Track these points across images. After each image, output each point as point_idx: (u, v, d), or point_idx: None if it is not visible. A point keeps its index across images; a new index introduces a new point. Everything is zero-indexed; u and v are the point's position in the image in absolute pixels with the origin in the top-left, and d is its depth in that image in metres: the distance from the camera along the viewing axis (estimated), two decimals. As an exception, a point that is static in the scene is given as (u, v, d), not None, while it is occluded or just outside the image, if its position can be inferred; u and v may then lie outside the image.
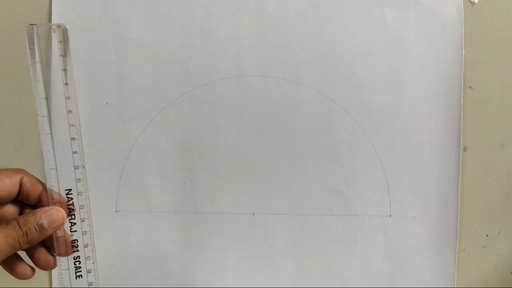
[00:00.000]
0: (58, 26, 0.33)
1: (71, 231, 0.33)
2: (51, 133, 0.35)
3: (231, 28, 0.41)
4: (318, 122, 0.42)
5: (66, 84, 0.34)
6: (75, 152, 0.35)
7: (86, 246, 0.35)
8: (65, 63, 0.34)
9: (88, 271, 0.35)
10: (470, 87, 0.42)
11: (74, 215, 0.33)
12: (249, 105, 0.42)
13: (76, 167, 0.35)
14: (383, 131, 0.42)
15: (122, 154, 0.42)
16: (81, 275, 0.35)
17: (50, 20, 0.42)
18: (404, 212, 0.42)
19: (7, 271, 0.34)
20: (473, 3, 0.42)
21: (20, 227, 0.31)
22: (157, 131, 0.42)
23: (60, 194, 0.33)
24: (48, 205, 0.33)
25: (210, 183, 0.42)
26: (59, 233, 0.33)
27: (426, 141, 0.42)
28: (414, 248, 0.42)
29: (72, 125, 0.35)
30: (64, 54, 0.33)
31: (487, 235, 0.43)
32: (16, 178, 0.32)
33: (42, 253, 0.34)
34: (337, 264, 0.42)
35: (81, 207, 0.34)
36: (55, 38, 0.33)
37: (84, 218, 0.34)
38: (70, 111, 0.34)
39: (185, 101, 0.42)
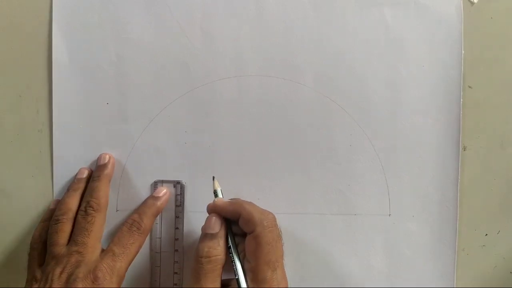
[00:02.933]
0: (178, 182, 0.41)
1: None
2: (159, 266, 0.42)
3: (231, 28, 0.42)
4: (318, 122, 0.42)
5: (176, 228, 0.42)
6: (176, 273, 0.42)
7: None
8: (178, 211, 0.42)
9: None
10: (470, 87, 0.42)
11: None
12: (249, 105, 0.42)
13: None
14: (383, 131, 0.42)
15: (123, 154, 0.42)
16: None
17: (50, 20, 0.42)
18: (404, 212, 0.42)
19: None
20: (472, 3, 0.42)
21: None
22: (157, 131, 0.42)
23: None
24: None
25: (210, 183, 0.42)
26: None
27: (426, 140, 0.42)
28: (413, 247, 0.42)
29: (176, 262, 0.42)
30: (179, 205, 0.42)
31: (486, 235, 0.43)
32: None
33: None
34: (337, 263, 0.42)
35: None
36: (174, 192, 0.42)
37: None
38: (176, 250, 0.41)
39: (185, 101, 0.42)
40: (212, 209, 0.37)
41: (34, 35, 0.42)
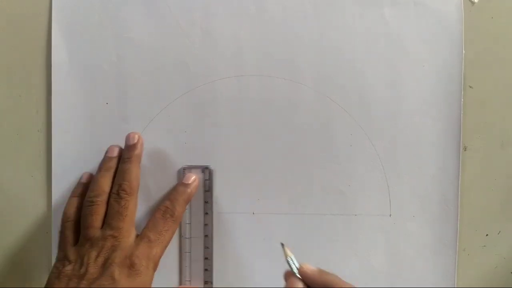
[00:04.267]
0: (206, 167, 0.41)
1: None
2: (190, 252, 0.42)
3: (231, 28, 0.42)
4: (318, 122, 0.42)
5: (206, 213, 0.42)
6: (206, 270, 0.42)
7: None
8: (206, 196, 0.42)
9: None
10: (470, 87, 0.42)
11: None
12: (249, 105, 0.42)
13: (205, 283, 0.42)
14: (383, 131, 0.42)
15: (122, 154, 0.42)
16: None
17: (50, 20, 0.42)
18: (404, 212, 0.42)
19: None
20: (473, 3, 0.42)
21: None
22: (157, 131, 0.42)
23: None
24: None
25: (210, 183, 0.42)
26: None
27: (426, 140, 0.42)
28: (414, 248, 0.42)
29: (207, 247, 0.42)
30: (208, 190, 0.41)
31: (487, 235, 0.43)
32: None
33: None
34: (337, 263, 0.42)
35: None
36: (203, 177, 0.41)
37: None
38: (206, 236, 0.42)
39: (185, 100, 0.42)
40: (302, 275, 0.34)
41: (34, 35, 0.42)
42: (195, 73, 0.42)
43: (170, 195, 0.39)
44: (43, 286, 0.42)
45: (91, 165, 0.42)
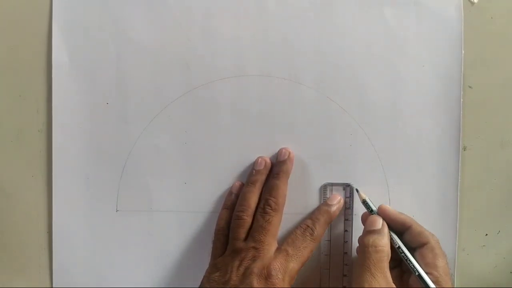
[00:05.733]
0: (348, 185, 0.42)
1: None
2: (329, 269, 0.42)
3: (232, 28, 0.42)
4: (318, 122, 0.42)
5: (345, 231, 0.42)
6: (345, 275, 0.42)
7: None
8: (347, 214, 0.42)
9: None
10: (470, 87, 0.42)
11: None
12: (249, 105, 0.42)
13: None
14: (383, 131, 0.42)
15: (123, 154, 0.42)
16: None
17: (50, 20, 0.42)
18: (404, 212, 0.42)
19: None
20: (472, 3, 0.42)
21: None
22: (157, 131, 0.42)
23: None
24: None
25: (210, 183, 0.42)
26: None
27: (426, 140, 0.42)
28: (414, 248, 0.42)
29: (346, 264, 0.42)
30: (349, 207, 0.42)
31: (486, 234, 0.43)
32: None
33: None
34: (337, 263, 0.42)
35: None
36: (344, 194, 0.42)
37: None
38: (345, 253, 0.42)
39: (185, 100, 0.42)
40: (381, 213, 0.39)
41: (34, 35, 0.42)
42: (195, 73, 0.42)
43: (313, 214, 0.40)
44: (42, 286, 0.42)
45: (91, 165, 0.42)
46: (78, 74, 0.42)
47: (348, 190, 0.41)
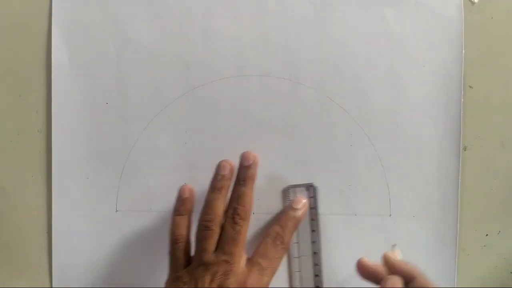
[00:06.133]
0: (310, 185, 0.41)
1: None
2: (300, 271, 0.42)
3: (232, 28, 0.42)
4: (318, 122, 0.42)
5: (313, 231, 0.41)
6: (316, 276, 0.42)
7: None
8: (313, 214, 0.41)
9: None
10: (470, 87, 0.42)
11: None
12: (249, 105, 0.42)
13: None
14: (383, 131, 0.42)
15: (122, 154, 0.42)
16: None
17: (50, 20, 0.42)
18: (404, 212, 0.42)
19: None
20: (473, 3, 0.42)
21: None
22: (157, 131, 0.42)
23: None
24: None
25: (209, 183, 0.42)
26: None
27: (426, 140, 0.42)
28: (414, 248, 0.42)
29: (316, 264, 0.41)
30: (314, 207, 0.41)
31: (487, 235, 0.43)
32: None
33: None
34: (337, 263, 0.42)
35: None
36: (307, 195, 0.41)
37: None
38: (315, 253, 0.41)
39: (185, 100, 0.42)
40: (385, 262, 0.37)
41: (34, 35, 0.42)
42: (195, 73, 0.42)
43: (280, 220, 0.39)
44: (42, 286, 0.42)
45: (91, 165, 0.42)
46: (78, 74, 0.42)
47: (312, 190, 0.41)
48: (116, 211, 0.42)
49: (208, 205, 0.38)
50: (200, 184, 0.42)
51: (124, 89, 0.42)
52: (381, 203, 0.42)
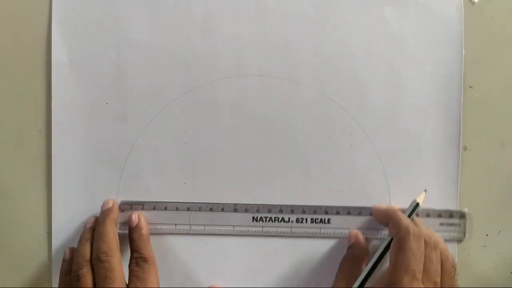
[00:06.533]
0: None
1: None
2: None
3: (232, 28, 0.42)
4: (318, 122, 0.42)
5: None
6: None
7: None
8: None
9: None
10: (470, 87, 0.42)
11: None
12: (249, 105, 0.42)
13: None
14: (383, 131, 0.42)
15: (122, 154, 0.42)
16: None
17: (50, 20, 0.42)
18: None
19: None
20: (473, 3, 0.42)
21: None
22: (157, 131, 0.42)
23: None
24: None
25: (210, 183, 0.42)
26: None
27: (426, 140, 0.42)
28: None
29: None
30: None
31: (487, 235, 0.43)
32: None
33: None
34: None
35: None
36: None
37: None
38: None
39: (185, 100, 0.42)
40: (372, 210, 0.41)
41: (34, 35, 0.42)
42: (195, 73, 0.42)
43: (132, 246, 0.39)
44: (42, 286, 0.42)
45: (91, 165, 0.42)
46: (78, 74, 0.42)
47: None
48: (116, 211, 0.42)
49: (76, 253, 0.39)
50: (199, 183, 0.42)
51: (124, 89, 0.42)
52: (381, 203, 0.42)
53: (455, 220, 0.42)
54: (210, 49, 0.42)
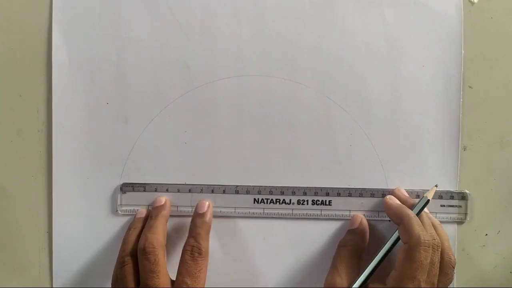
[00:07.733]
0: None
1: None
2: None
3: (231, 28, 0.42)
4: (318, 122, 0.42)
5: None
6: None
7: None
8: None
9: None
10: (470, 87, 0.42)
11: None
12: (249, 105, 0.42)
13: None
14: (383, 131, 0.42)
15: (123, 154, 0.42)
16: None
17: (50, 20, 0.42)
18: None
19: None
20: (472, 3, 0.42)
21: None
22: (157, 131, 0.42)
23: None
24: None
25: (210, 183, 0.42)
26: None
27: (426, 140, 0.42)
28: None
29: None
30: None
31: (486, 235, 0.43)
32: None
33: None
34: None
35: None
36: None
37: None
38: None
39: (185, 100, 0.42)
40: (384, 204, 0.41)
41: (34, 35, 0.42)
42: (195, 73, 0.42)
43: (192, 231, 0.39)
44: (42, 286, 0.42)
45: (91, 165, 0.42)
46: (78, 74, 0.42)
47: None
48: (116, 211, 0.42)
49: (123, 242, 0.39)
50: (199, 183, 0.42)
51: (124, 89, 0.42)
52: (381, 203, 0.42)
53: (455, 202, 0.42)
54: (210, 49, 0.42)
